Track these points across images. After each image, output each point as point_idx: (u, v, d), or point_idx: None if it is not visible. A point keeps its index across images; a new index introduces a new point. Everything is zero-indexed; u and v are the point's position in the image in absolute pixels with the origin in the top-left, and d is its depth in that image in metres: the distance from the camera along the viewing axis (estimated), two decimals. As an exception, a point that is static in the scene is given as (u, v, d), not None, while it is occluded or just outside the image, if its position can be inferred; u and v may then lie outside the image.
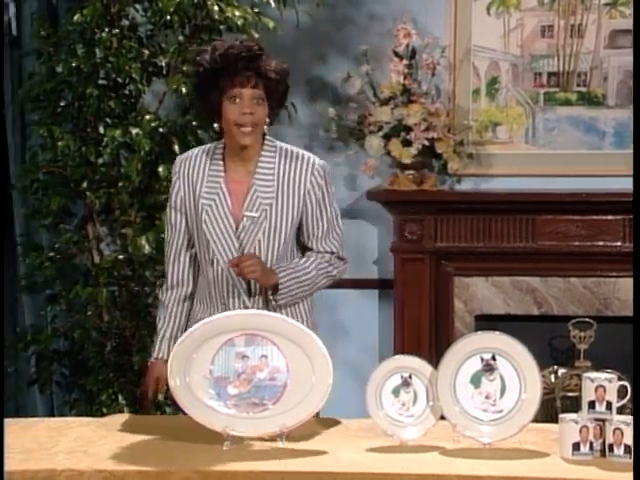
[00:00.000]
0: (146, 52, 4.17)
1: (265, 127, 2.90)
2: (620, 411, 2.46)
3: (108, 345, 4.18)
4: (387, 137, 4.56)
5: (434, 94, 4.62)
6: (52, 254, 4.28)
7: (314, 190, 2.91)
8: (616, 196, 4.41)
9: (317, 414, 2.64)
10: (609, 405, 2.44)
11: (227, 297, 2.90)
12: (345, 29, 4.71)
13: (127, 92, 4.21)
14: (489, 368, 2.54)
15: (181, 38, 4.17)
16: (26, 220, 4.57)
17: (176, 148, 4.05)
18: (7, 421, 2.80)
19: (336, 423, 2.69)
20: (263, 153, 2.90)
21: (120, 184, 4.14)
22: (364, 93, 4.62)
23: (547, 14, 4.61)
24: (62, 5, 4.48)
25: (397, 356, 2.68)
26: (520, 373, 2.53)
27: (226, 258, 2.88)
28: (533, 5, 4.62)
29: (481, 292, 4.64)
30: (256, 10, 4.26)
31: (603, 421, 2.43)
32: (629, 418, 2.41)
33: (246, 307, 2.88)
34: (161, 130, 4.11)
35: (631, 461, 2.36)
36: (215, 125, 2.90)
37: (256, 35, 4.24)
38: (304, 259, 2.92)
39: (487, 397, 2.53)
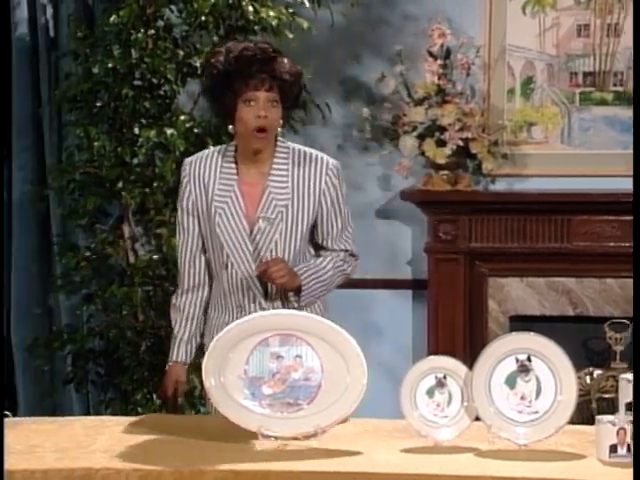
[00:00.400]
0: (181, 53, 4.19)
1: (279, 129, 2.88)
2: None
3: (143, 345, 4.20)
4: (421, 137, 4.55)
5: (469, 94, 4.60)
6: (88, 254, 4.31)
7: (329, 190, 2.90)
8: (652, 196, 4.38)
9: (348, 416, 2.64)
10: (646, 407, 2.42)
11: (243, 300, 2.90)
12: (379, 29, 4.71)
13: (162, 93, 4.23)
14: (524, 369, 2.52)
15: (216, 39, 4.18)
16: (62, 220, 4.60)
17: (210, 148, 4.06)
18: (43, 419, 2.83)
19: (370, 424, 2.69)
20: (277, 155, 2.89)
21: (155, 184, 4.16)
22: (398, 93, 4.61)
23: (583, 13, 4.58)
24: (98, 6, 4.51)
25: (431, 357, 2.67)
26: (556, 374, 2.51)
27: (240, 261, 2.87)
28: (569, 4, 4.59)
29: (515, 293, 4.61)
30: (290, 10, 4.27)
31: (640, 423, 2.41)
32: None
33: (262, 309, 2.88)
34: (196, 130, 4.13)
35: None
36: (230, 127, 2.88)
37: (290, 35, 4.25)
38: (321, 259, 2.92)
39: (522, 398, 2.52)
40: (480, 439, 2.51)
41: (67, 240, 4.57)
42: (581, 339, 4.47)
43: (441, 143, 4.53)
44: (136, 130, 4.20)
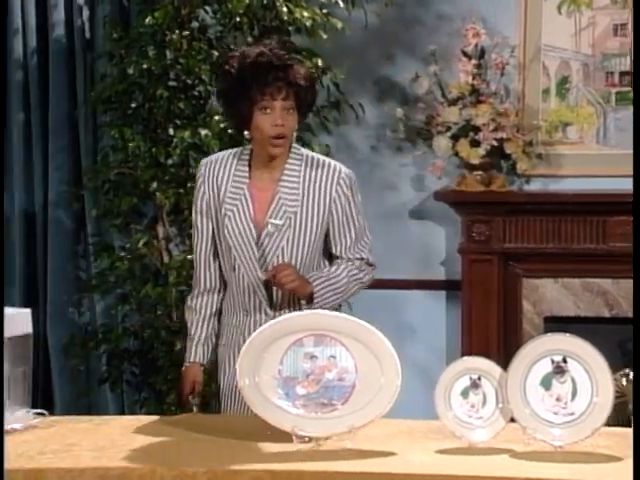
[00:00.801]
0: (215, 53, 4.21)
1: (294, 133, 2.87)
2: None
3: (177, 344, 4.21)
4: (455, 137, 4.54)
5: (503, 94, 4.58)
6: (122, 254, 4.34)
7: (340, 199, 2.88)
8: (689, 197, 4.34)
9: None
10: (683, 409, 2.40)
11: (249, 305, 2.90)
12: (413, 29, 4.70)
13: (196, 93, 4.25)
14: (560, 370, 2.51)
15: (250, 39, 4.19)
16: (97, 220, 4.63)
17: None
18: (79, 418, 2.84)
19: (404, 424, 2.68)
20: (289, 161, 2.88)
21: (189, 185, 4.18)
22: (432, 93, 4.60)
23: (620, 12, 4.55)
24: (134, 8, 4.54)
25: (466, 357, 2.65)
26: (592, 376, 2.50)
27: (247, 265, 2.86)
28: (605, 3, 4.56)
29: (550, 294, 4.59)
30: (324, 11, 4.27)
31: (677, 425, 2.39)
32: None
33: (267, 316, 2.88)
34: (230, 131, 4.14)
35: None
36: (245, 133, 2.87)
37: (324, 36, 4.25)
38: (334, 267, 2.90)
39: (558, 400, 2.51)
40: (515, 440, 2.50)
41: (102, 240, 4.59)
42: (617, 340, 4.44)
43: (475, 143, 4.52)
44: (170, 131, 4.22)
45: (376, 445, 2.51)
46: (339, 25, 4.26)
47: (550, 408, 2.50)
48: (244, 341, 2.86)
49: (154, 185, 4.21)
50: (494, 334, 4.57)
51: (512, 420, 2.54)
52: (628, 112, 4.56)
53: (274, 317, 2.87)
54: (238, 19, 4.15)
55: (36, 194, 4.71)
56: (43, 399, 4.57)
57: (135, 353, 4.39)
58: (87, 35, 4.64)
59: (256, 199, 2.87)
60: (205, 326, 2.96)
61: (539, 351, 2.52)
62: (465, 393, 2.55)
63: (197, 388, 2.97)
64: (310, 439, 2.52)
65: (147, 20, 4.16)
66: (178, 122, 4.21)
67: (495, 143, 4.50)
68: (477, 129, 4.50)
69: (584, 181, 4.57)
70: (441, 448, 2.49)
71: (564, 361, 2.51)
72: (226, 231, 2.87)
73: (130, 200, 4.25)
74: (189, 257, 4.19)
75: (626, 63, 4.56)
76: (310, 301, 2.85)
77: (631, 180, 4.51)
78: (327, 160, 2.91)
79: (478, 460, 2.42)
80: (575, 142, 4.60)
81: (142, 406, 4.33)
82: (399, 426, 2.66)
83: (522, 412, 2.51)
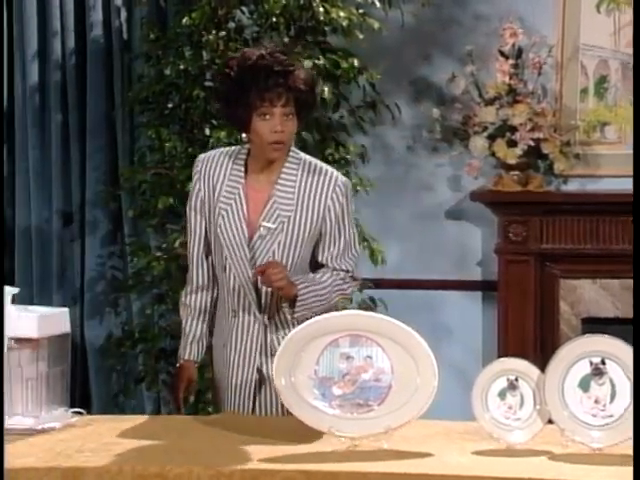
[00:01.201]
0: (252, 54, 4.20)
1: (292, 137, 2.85)
2: None
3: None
4: (492, 138, 4.52)
5: (540, 94, 4.55)
6: (159, 254, 4.35)
7: (334, 207, 2.85)
8: None
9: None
10: None
11: (238, 306, 2.88)
12: (450, 29, 4.68)
13: (233, 94, 4.25)
14: (598, 372, 2.49)
15: (286, 40, 4.19)
16: (134, 220, 4.65)
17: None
18: (116, 418, 2.86)
19: (441, 425, 2.67)
20: (287, 165, 2.85)
21: (225, 185, 4.18)
22: (469, 93, 4.58)
23: (660, 11, 4.50)
24: (171, 9, 4.55)
25: (503, 358, 2.64)
26: (630, 377, 2.47)
27: (237, 266, 2.84)
28: (644, 2, 4.52)
29: (588, 295, 4.56)
30: (361, 11, 4.26)
31: None
32: None
33: (256, 319, 2.86)
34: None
35: None
36: (243, 135, 2.85)
37: (361, 36, 4.25)
38: (320, 274, 2.86)
39: (596, 402, 2.49)
40: (553, 442, 2.48)
41: (138, 240, 4.61)
42: (655, 342, 4.39)
43: (512, 143, 4.49)
44: (207, 131, 4.22)
45: (413, 446, 2.50)
46: (376, 25, 4.25)
47: (588, 410, 2.48)
48: (235, 342, 2.89)
49: (190, 185, 4.21)
50: (531, 335, 4.55)
51: (550, 422, 2.52)
52: (667, 111, 4.52)
53: (262, 320, 2.87)
54: (274, 19, 4.15)
55: (73, 194, 4.74)
56: (80, 398, 4.60)
57: (171, 353, 4.39)
58: (125, 36, 4.66)
59: (251, 200, 2.85)
60: (199, 323, 2.95)
61: (577, 352, 2.50)
62: (502, 394, 2.54)
63: (192, 386, 2.96)
64: (346, 439, 2.51)
65: (184, 21, 4.17)
66: (214, 122, 4.22)
67: (532, 143, 4.47)
68: (514, 129, 4.48)
69: (622, 181, 4.53)
70: (478, 449, 2.48)
71: (602, 363, 2.49)
72: (219, 230, 2.86)
73: (166, 200, 4.26)
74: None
75: (666, 62, 4.52)
76: (292, 305, 2.81)
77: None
78: (324, 167, 2.89)
79: (516, 462, 2.40)
80: (613, 142, 4.57)
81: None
82: (436, 427, 2.65)
83: (560, 414, 2.49)
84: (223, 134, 4.13)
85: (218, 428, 2.67)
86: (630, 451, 2.43)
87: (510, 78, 4.51)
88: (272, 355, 2.83)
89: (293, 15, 4.16)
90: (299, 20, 4.19)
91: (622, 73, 4.55)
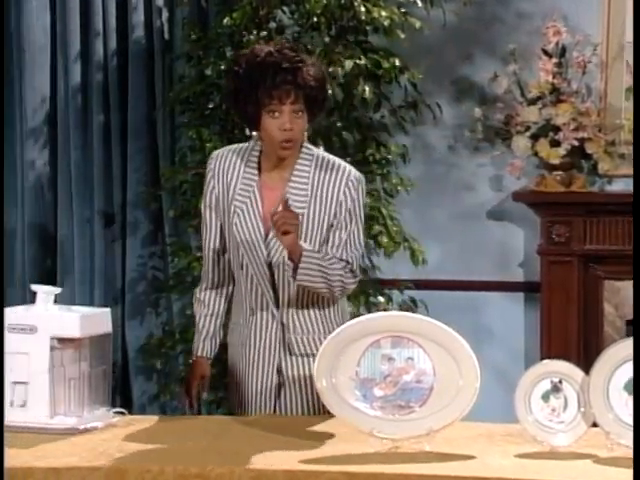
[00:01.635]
0: (292, 54, 4.20)
1: (305, 133, 2.82)
2: None
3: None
4: (534, 137, 4.48)
5: (584, 93, 4.51)
6: (200, 254, 4.35)
7: (346, 201, 2.83)
8: None
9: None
10: None
11: (255, 304, 2.87)
12: (493, 28, 4.65)
13: (273, 94, 4.25)
14: (644, 375, 2.45)
15: (327, 39, 4.18)
16: (174, 221, 4.66)
17: (321, 149, 4.07)
18: (157, 418, 2.86)
19: (484, 427, 2.65)
20: (299, 161, 2.83)
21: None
22: (511, 93, 4.55)
23: None
24: (212, 9, 4.56)
25: (546, 361, 2.61)
26: (677, 380, 2.43)
27: (254, 263, 2.83)
28: (691, -1, 4.46)
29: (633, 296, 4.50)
30: (402, 10, 4.24)
31: None
32: None
33: (273, 317, 2.85)
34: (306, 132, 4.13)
35: None
36: (254, 133, 2.83)
37: (402, 35, 4.23)
38: (324, 253, 2.81)
39: (642, 404, 2.45)
40: (598, 446, 2.45)
41: (179, 241, 4.62)
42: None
43: (555, 143, 4.45)
44: (247, 131, 4.22)
45: (455, 448, 2.48)
46: (417, 24, 4.23)
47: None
48: (253, 340, 2.88)
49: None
50: (574, 337, 4.51)
51: (594, 425, 2.49)
52: None
53: (280, 317, 2.86)
54: (315, 19, 4.15)
55: (115, 195, 4.76)
56: (121, 398, 4.62)
57: (212, 353, 4.40)
58: (166, 36, 4.68)
59: (266, 198, 2.84)
60: (214, 320, 2.95)
61: (622, 355, 2.47)
62: (546, 397, 2.51)
63: (205, 382, 2.96)
64: (388, 441, 2.49)
65: (225, 21, 4.17)
66: (255, 122, 4.21)
67: (576, 143, 4.43)
68: (557, 129, 4.44)
69: (668, 181, 4.47)
70: (521, 452, 2.45)
71: (649, 365, 2.45)
72: (235, 229, 2.85)
73: (207, 201, 4.25)
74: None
75: None
76: (295, 268, 2.76)
77: None
78: (338, 162, 2.87)
79: (560, 465, 2.38)
80: (659, 141, 4.51)
81: (219, 406, 4.35)
82: (478, 429, 2.62)
83: (605, 417, 2.46)
84: (264, 134, 4.13)
85: (258, 428, 2.66)
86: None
87: (553, 77, 4.47)
88: (291, 353, 2.86)
89: (334, 15, 4.15)
90: (340, 20, 4.18)
91: (668, 71, 4.49)
